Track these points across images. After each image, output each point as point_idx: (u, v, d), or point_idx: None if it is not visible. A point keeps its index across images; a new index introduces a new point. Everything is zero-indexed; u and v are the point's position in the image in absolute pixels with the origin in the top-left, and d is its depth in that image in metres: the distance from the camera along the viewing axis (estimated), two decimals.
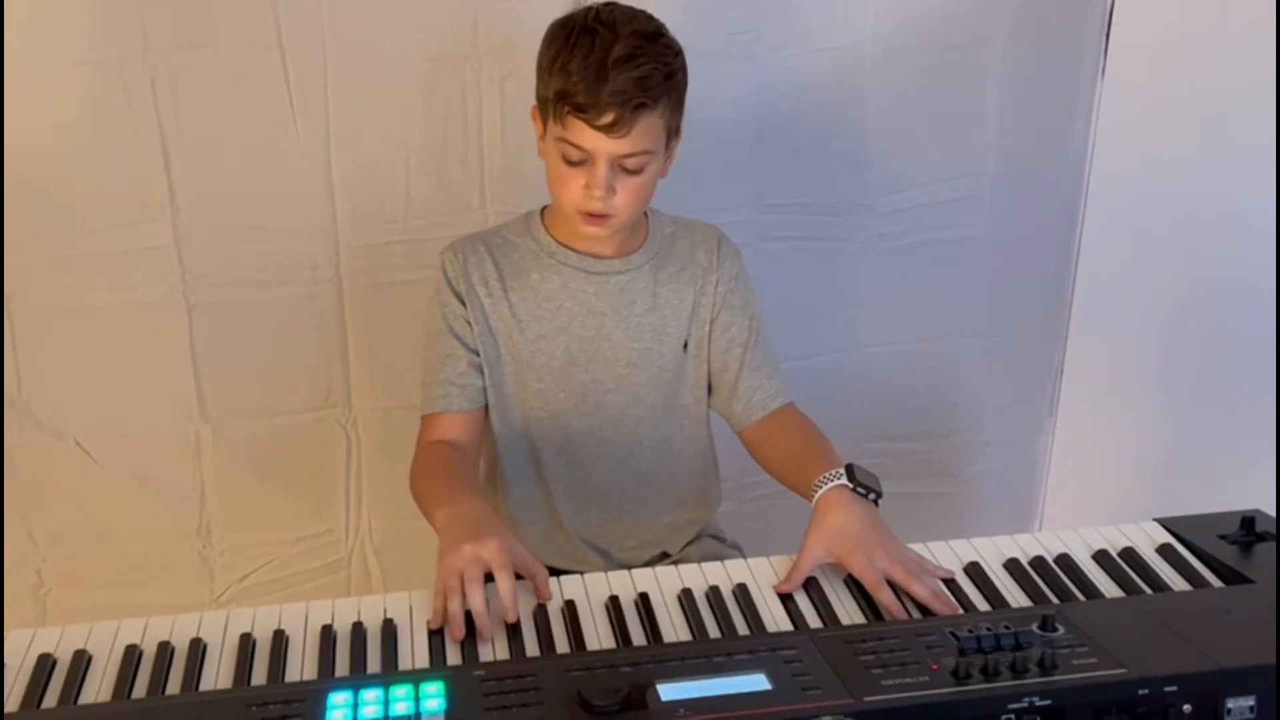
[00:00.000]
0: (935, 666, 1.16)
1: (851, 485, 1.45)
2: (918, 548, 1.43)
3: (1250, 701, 1.14)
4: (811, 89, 2.13)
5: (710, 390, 1.76)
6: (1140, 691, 1.13)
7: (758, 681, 1.15)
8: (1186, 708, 1.14)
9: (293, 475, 2.16)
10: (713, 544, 1.80)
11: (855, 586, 1.37)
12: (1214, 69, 2.19)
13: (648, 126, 1.52)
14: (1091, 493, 2.47)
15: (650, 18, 1.57)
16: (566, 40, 1.52)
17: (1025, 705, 1.13)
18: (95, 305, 1.98)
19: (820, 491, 1.46)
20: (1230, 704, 1.14)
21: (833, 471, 1.47)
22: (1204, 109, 2.22)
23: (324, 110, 1.96)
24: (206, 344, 2.04)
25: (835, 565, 1.41)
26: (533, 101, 1.61)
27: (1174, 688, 1.13)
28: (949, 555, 1.43)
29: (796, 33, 2.09)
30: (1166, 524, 1.47)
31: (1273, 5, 2.10)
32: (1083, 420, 2.46)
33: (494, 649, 1.28)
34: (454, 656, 1.27)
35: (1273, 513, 1.48)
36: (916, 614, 1.33)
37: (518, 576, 1.36)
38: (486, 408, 1.71)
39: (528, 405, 1.71)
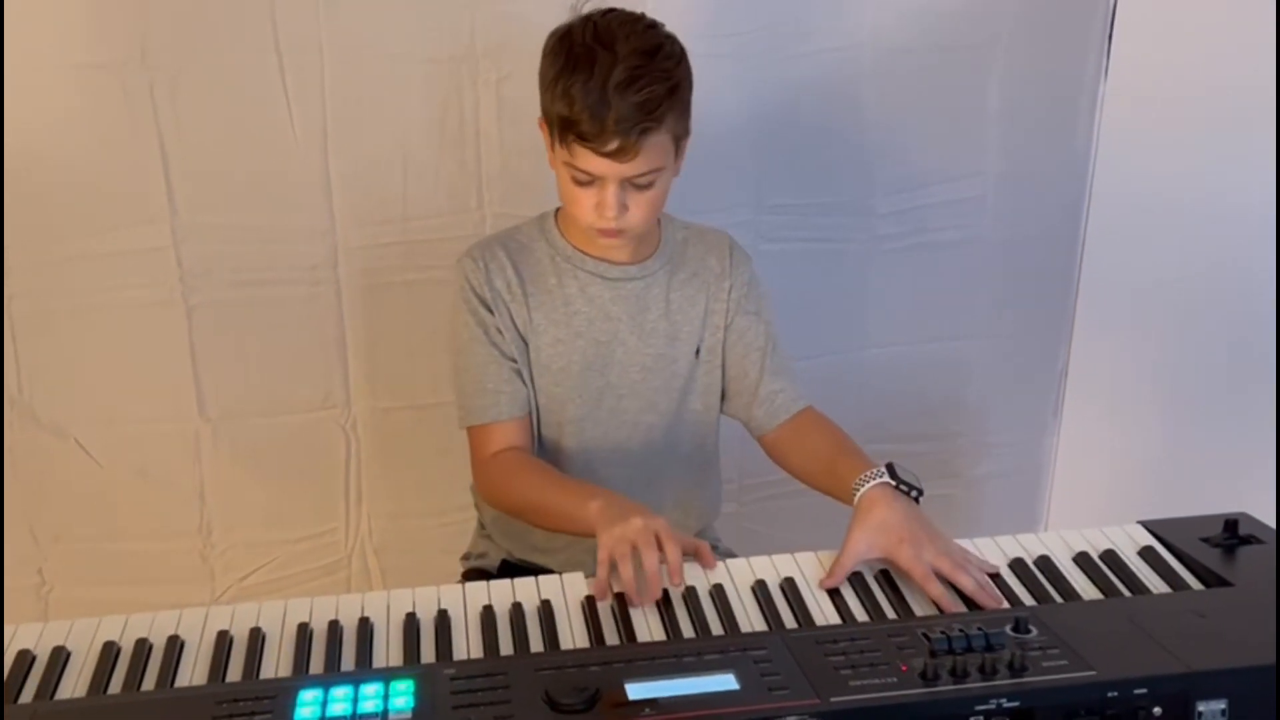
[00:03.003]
0: (905, 668, 1.16)
1: (894, 483, 1.45)
2: None
3: (1221, 705, 1.13)
4: (812, 90, 2.13)
5: (726, 396, 1.76)
6: (1109, 694, 1.13)
7: (726, 681, 1.15)
8: (1156, 710, 1.13)
9: (293, 475, 2.18)
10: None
11: (840, 590, 1.37)
12: (1218, 68, 2.17)
13: (655, 145, 1.52)
14: (1097, 495, 2.45)
15: (649, 27, 1.55)
16: (567, 61, 1.51)
17: (993, 707, 1.12)
18: (95, 305, 2.00)
19: (862, 490, 1.46)
20: (1201, 707, 1.13)
21: (873, 470, 1.48)
22: (1208, 109, 2.20)
23: (321, 112, 1.97)
24: (206, 344, 2.06)
25: (813, 567, 1.40)
26: (532, 106, 1.59)
27: (1143, 690, 1.13)
28: None
29: (796, 33, 2.09)
30: (1150, 526, 1.46)
31: (1274, 4, 2.08)
32: (1088, 422, 2.44)
33: (468, 648, 1.29)
34: (428, 655, 1.28)
35: (1264, 516, 1.46)
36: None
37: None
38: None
39: (544, 409, 1.71)
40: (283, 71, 1.94)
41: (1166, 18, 2.16)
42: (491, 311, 1.66)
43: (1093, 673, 1.14)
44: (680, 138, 1.58)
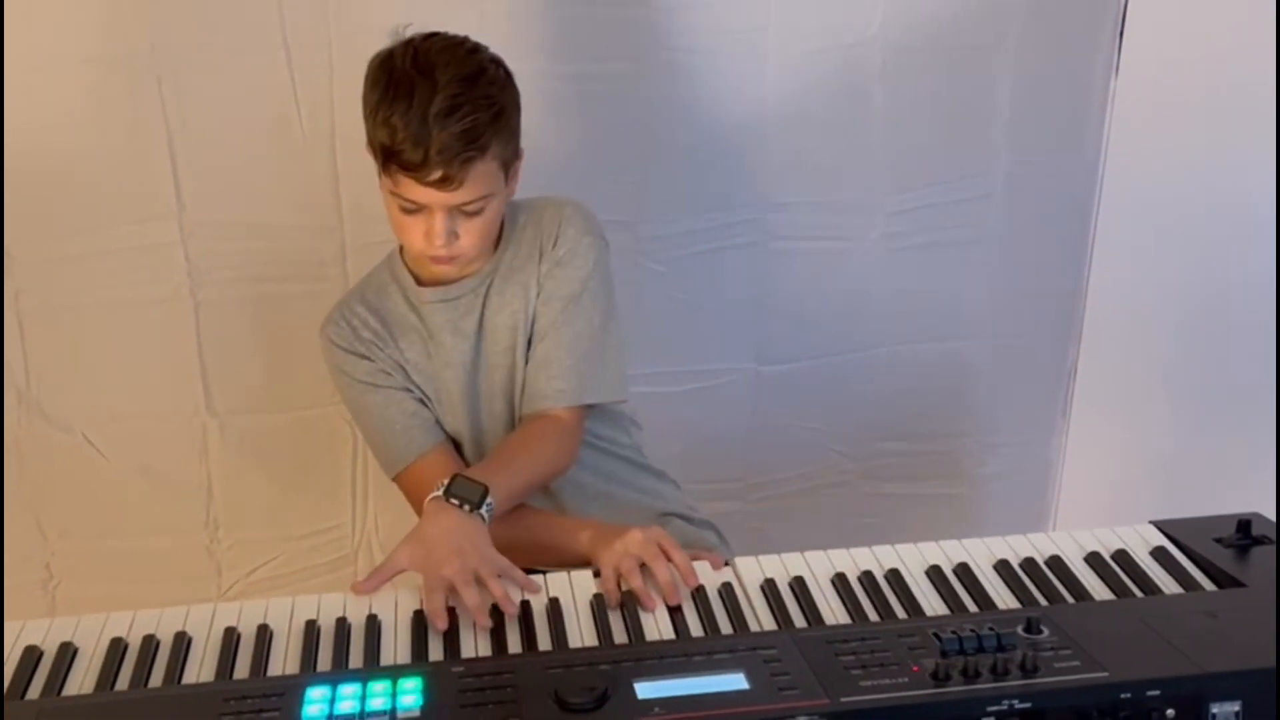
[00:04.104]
0: (915, 668, 1.15)
1: (445, 495, 1.46)
2: (924, 546, 1.42)
3: (1235, 707, 1.13)
4: (820, 88, 2.12)
5: None
6: (1122, 695, 1.12)
7: (736, 681, 1.15)
8: (1170, 712, 1.13)
9: (299, 471, 2.18)
10: (680, 525, 1.75)
11: (842, 586, 1.36)
12: (1229, 67, 2.17)
13: (480, 173, 1.50)
14: (1105, 495, 2.45)
15: (471, 52, 1.53)
16: (387, 88, 1.49)
17: (1005, 708, 1.12)
18: (103, 301, 2.00)
19: (427, 499, 1.48)
20: (1215, 709, 1.13)
21: (442, 482, 1.47)
22: (1219, 108, 2.19)
23: (329, 107, 1.96)
24: (213, 340, 2.05)
25: (822, 566, 1.40)
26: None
27: (1156, 692, 1.12)
28: (940, 555, 1.42)
29: (805, 31, 2.08)
30: (1162, 526, 1.46)
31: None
32: (1096, 422, 2.44)
33: (476, 646, 1.28)
34: (436, 653, 1.27)
35: (1272, 516, 1.46)
36: None
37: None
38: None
39: (454, 441, 1.70)
40: (290, 67, 1.93)
41: (1178, 17, 2.15)
42: (370, 359, 1.64)
43: (1105, 674, 1.14)
44: (509, 162, 1.56)
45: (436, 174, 1.47)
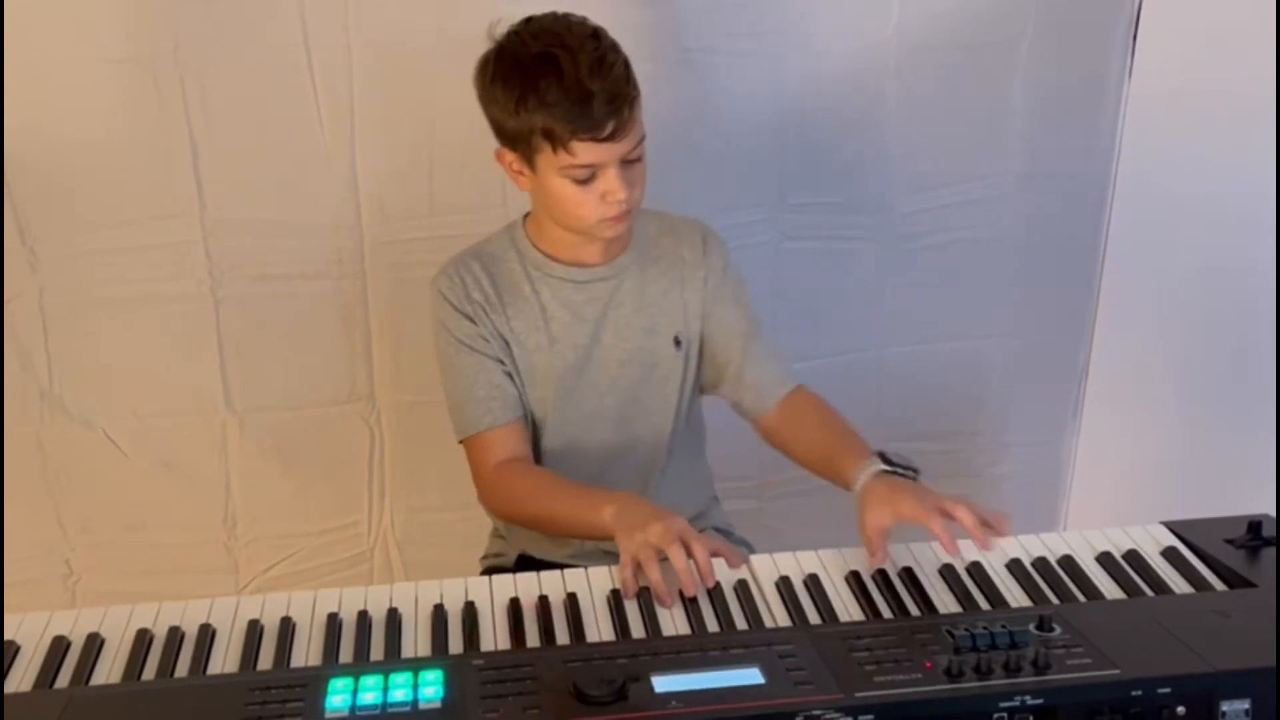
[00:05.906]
0: (929, 664, 1.17)
1: (889, 469, 1.50)
2: (937, 545, 1.43)
3: (1245, 705, 1.14)
4: (835, 87, 2.14)
5: (710, 383, 1.77)
6: (1133, 692, 1.14)
7: (752, 675, 1.16)
8: (1180, 709, 1.14)
9: (317, 468, 2.19)
10: (719, 538, 1.79)
11: (856, 583, 1.38)
12: (1243, 68, 2.17)
13: (637, 116, 1.56)
14: (1116, 495, 2.46)
15: (568, 15, 1.57)
16: (524, 74, 1.52)
17: (1017, 704, 1.13)
18: (124, 298, 2.02)
19: (860, 482, 1.49)
20: (1225, 707, 1.14)
21: (867, 462, 1.50)
22: (1233, 109, 2.20)
23: (349, 106, 1.98)
24: (233, 337, 2.07)
25: (837, 563, 1.42)
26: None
27: (1168, 689, 1.14)
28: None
29: (820, 31, 2.10)
30: (1173, 527, 1.47)
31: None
32: (1108, 422, 2.44)
33: (495, 639, 1.30)
34: (456, 646, 1.29)
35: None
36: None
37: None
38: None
39: (532, 414, 1.73)
40: (311, 67, 1.95)
41: (1191, 17, 2.16)
42: (474, 322, 1.67)
43: (1116, 671, 1.15)
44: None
45: (610, 125, 1.50)
